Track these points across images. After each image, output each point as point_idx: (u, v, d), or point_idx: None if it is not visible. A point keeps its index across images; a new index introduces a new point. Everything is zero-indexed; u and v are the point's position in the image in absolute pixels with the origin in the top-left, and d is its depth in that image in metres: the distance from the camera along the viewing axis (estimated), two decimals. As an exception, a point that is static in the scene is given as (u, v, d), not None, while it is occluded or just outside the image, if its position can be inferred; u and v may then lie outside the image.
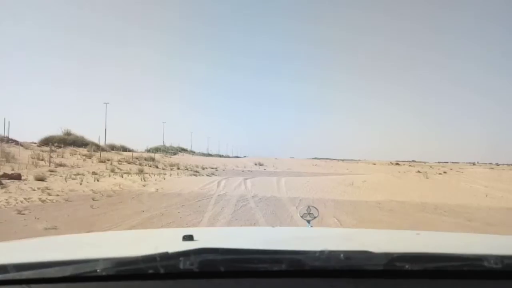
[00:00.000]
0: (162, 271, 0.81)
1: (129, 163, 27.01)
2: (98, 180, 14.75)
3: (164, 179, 17.06)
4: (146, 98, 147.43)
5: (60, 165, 20.75)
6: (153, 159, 35.48)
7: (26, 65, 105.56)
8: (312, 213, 2.04)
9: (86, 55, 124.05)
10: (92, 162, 24.21)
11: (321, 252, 0.86)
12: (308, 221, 2.05)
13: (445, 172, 36.91)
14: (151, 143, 67.82)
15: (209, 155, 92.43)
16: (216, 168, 32.06)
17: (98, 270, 0.81)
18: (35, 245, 1.44)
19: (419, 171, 36.64)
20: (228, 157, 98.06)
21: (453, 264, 0.89)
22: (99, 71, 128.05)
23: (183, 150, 75.71)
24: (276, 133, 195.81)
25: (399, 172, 33.67)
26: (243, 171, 31.12)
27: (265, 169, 35.67)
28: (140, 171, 20.87)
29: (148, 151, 59.15)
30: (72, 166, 21.00)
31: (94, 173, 18.41)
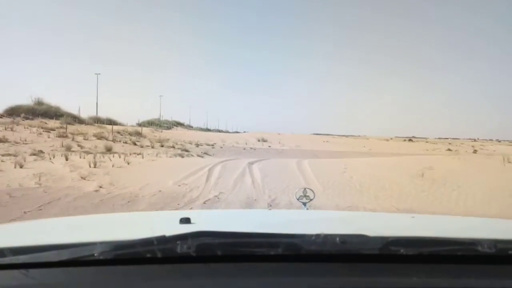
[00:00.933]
0: (159, 255, 0.81)
1: (100, 138, 21.63)
2: (21, 167, 9.44)
3: (129, 163, 11.20)
4: (144, 70, 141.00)
5: (1, 140, 15.51)
6: (139, 134, 30.41)
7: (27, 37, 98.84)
8: (308, 195, 2.01)
9: (83, 26, 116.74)
10: (48, 137, 18.88)
11: (317, 235, 0.86)
12: (304, 204, 2.01)
13: (475, 151, 32.14)
14: (148, 117, 62.86)
15: (207, 130, 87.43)
16: (212, 145, 27.02)
17: (95, 254, 0.80)
18: (31, 228, 1.43)
19: (456, 150, 31.74)
20: (228, 132, 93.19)
21: (447, 248, 0.89)
22: (94, 43, 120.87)
23: (179, 124, 70.51)
24: (275, 109, 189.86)
25: (446, 151, 28.68)
26: (244, 149, 25.90)
27: (270, 146, 30.43)
28: (108, 150, 15.64)
29: (139, 125, 54.35)
30: (17, 142, 15.78)
31: (39, 152, 13.20)
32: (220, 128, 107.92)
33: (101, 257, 0.80)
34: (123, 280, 0.81)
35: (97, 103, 49.03)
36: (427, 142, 53.20)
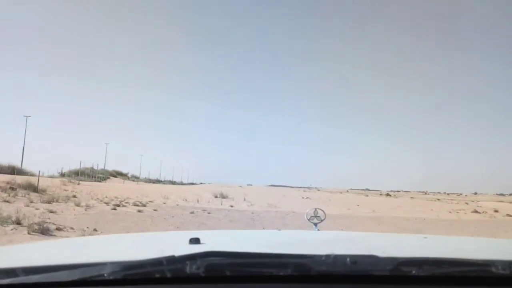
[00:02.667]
0: (168, 275, 0.81)
1: None
2: None
3: None
4: (88, 116, 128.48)
5: None
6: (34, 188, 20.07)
7: None
8: (319, 216, 2.03)
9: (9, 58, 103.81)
10: None
11: (327, 256, 0.85)
12: (315, 224, 2.02)
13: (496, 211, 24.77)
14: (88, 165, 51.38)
15: (157, 181, 75.87)
16: (145, 204, 17.04)
17: (105, 274, 0.81)
18: (42, 248, 1.45)
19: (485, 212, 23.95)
20: (182, 184, 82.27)
21: (460, 270, 0.87)
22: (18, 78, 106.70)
23: (120, 174, 58.86)
24: (231, 160, 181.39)
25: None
26: (192, 212, 16.01)
27: (232, 206, 20.68)
28: None
29: (63, 175, 42.57)
30: None
31: None
32: (174, 180, 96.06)
33: (111, 277, 0.81)
34: None
35: (23, 147, 38.76)
36: (425, 197, 45.82)
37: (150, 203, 20.24)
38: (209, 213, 16.22)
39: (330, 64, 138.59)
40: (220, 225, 12.54)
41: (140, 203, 19.05)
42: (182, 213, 15.46)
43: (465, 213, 23.30)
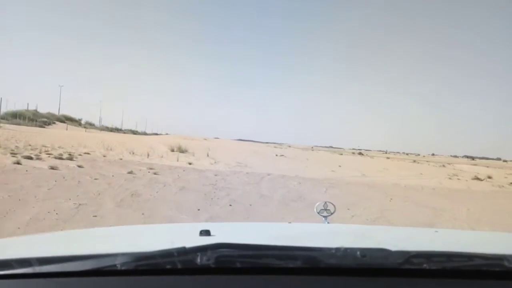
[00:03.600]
0: (179, 266, 0.82)
1: None
2: None
3: None
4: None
5: None
6: None
7: None
8: (329, 209, 1.97)
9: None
10: None
11: (337, 249, 0.85)
12: (325, 217, 1.96)
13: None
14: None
15: (116, 130, 69.72)
16: (73, 157, 12.95)
17: (117, 265, 0.81)
18: (55, 239, 1.46)
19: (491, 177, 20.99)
20: (146, 134, 76.53)
21: (472, 264, 0.87)
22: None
23: (70, 120, 52.43)
24: (200, 112, 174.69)
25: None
26: (131, 172, 11.60)
27: (190, 164, 16.42)
28: None
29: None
30: None
31: None
32: (138, 129, 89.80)
33: (123, 268, 0.81)
34: None
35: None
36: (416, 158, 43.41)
37: (84, 155, 15.55)
38: (155, 173, 11.81)
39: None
40: (164, 195, 8.21)
41: (70, 154, 14.33)
42: (116, 173, 10.97)
43: (467, 180, 20.29)
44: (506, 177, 27.41)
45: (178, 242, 0.90)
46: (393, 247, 0.87)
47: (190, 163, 16.42)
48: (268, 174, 14.56)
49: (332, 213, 1.97)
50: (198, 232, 1.21)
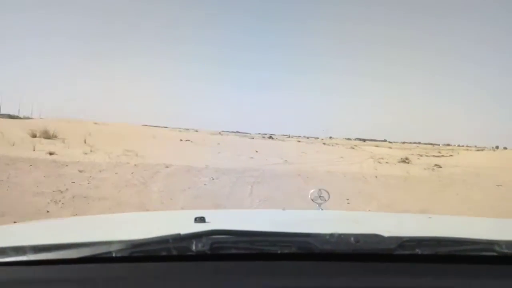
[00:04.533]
0: (174, 253, 0.82)
1: None
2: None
3: None
4: None
5: None
6: None
7: None
8: (323, 196, 1.96)
9: None
10: None
11: (331, 235, 0.85)
12: (319, 204, 1.93)
13: None
14: None
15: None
16: None
17: (112, 252, 0.82)
18: (51, 226, 1.46)
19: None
20: (28, 118, 64.56)
21: (463, 248, 0.88)
22: None
23: None
24: (97, 92, 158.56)
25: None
26: None
27: (51, 155, 11.28)
28: None
29: None
30: None
31: None
32: (20, 114, 75.56)
33: (118, 255, 0.81)
34: (139, 277, 0.81)
35: None
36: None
37: None
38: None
39: None
40: None
41: None
42: None
43: (395, 164, 18.50)
44: (419, 159, 27.20)
45: (173, 229, 0.90)
46: (386, 233, 0.88)
47: (51, 153, 11.27)
48: (167, 166, 10.29)
49: (326, 200, 1.97)
50: (193, 219, 1.20)
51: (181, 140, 24.37)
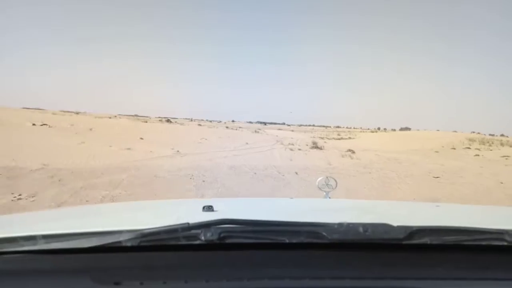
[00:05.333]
0: (183, 242, 0.82)
1: None
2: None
3: None
4: None
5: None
6: None
7: None
8: (330, 184, 2.01)
9: None
10: None
11: (340, 224, 0.85)
12: (326, 193, 2.02)
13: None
14: None
15: None
16: None
17: (122, 241, 0.82)
18: (61, 215, 1.46)
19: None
20: None
21: (472, 238, 0.87)
22: None
23: None
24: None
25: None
26: None
27: None
28: None
29: None
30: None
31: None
32: None
33: (127, 244, 0.82)
34: (148, 266, 0.82)
35: None
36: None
37: None
38: None
39: None
40: None
41: None
42: None
43: (309, 151, 15.87)
44: (326, 142, 25.65)
45: (182, 218, 0.91)
46: (395, 222, 0.87)
47: None
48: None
49: (334, 188, 1.98)
50: (201, 208, 1.20)
51: (34, 124, 18.38)
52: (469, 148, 28.26)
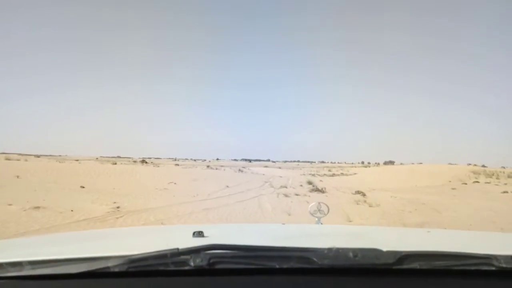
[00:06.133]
0: (172, 267, 0.82)
1: None
2: None
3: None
4: None
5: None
6: None
7: None
8: (322, 210, 1.98)
9: None
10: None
11: (330, 249, 0.84)
12: (318, 218, 1.98)
13: None
14: None
15: None
16: None
17: (110, 267, 0.81)
18: (48, 241, 1.42)
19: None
20: None
21: (462, 263, 0.87)
22: None
23: None
24: None
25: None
26: None
27: None
28: None
29: None
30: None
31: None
32: None
33: (116, 270, 0.81)
34: None
35: None
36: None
37: None
38: None
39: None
40: None
41: None
42: None
43: (309, 196, 11.90)
44: (321, 181, 21.79)
45: (171, 243, 0.89)
46: (384, 247, 0.87)
47: None
48: None
49: (325, 214, 1.95)
50: (191, 234, 1.19)
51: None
52: (477, 181, 25.30)
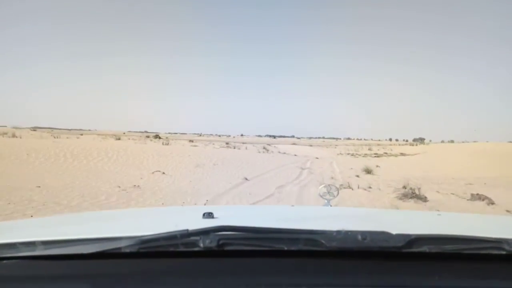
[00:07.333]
0: (182, 249, 0.83)
1: None
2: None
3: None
4: None
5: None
6: None
7: None
8: (332, 192, 1.97)
9: None
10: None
11: (338, 232, 0.85)
12: (328, 200, 1.97)
13: None
14: None
15: None
16: None
17: (121, 248, 0.82)
18: (61, 221, 1.44)
19: None
20: None
21: (472, 247, 0.86)
22: None
23: None
24: None
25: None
26: None
27: None
28: None
29: None
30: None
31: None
32: None
33: (126, 251, 0.82)
34: (147, 273, 0.81)
35: None
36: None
37: None
38: None
39: None
40: None
41: None
42: None
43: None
44: (378, 166, 16.03)
45: (181, 225, 0.90)
46: (394, 230, 0.87)
47: None
48: None
49: (335, 196, 1.93)
50: (201, 215, 1.19)
51: None
52: None
